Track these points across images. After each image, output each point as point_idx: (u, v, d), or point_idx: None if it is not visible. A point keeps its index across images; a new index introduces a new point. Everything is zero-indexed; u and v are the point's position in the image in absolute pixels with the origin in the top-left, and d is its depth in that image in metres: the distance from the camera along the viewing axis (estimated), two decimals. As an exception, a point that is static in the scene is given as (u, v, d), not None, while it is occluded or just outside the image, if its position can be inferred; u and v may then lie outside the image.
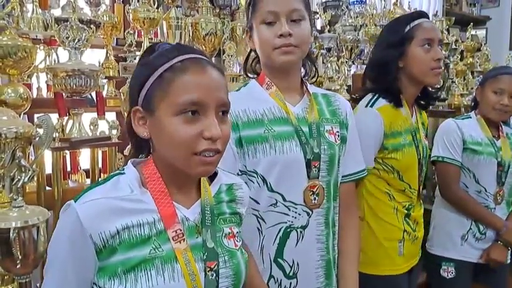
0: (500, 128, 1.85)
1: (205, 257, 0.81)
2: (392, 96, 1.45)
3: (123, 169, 0.83)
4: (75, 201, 0.77)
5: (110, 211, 0.76)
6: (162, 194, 0.80)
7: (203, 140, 0.76)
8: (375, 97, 1.47)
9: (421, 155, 1.49)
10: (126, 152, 1.64)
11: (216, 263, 0.81)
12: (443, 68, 1.47)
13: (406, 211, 1.47)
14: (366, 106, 1.46)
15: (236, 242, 0.87)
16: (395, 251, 1.46)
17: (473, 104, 1.96)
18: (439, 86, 1.61)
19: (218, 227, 0.85)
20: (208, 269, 0.80)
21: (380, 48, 1.51)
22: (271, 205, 1.11)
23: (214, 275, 0.81)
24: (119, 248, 0.76)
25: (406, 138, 1.45)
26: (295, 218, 1.12)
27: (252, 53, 1.24)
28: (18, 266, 1.04)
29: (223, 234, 0.86)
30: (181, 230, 0.79)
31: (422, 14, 1.51)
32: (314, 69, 1.27)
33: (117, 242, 0.76)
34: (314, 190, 1.13)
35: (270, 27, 1.10)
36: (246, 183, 1.09)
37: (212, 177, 0.89)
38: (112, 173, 0.84)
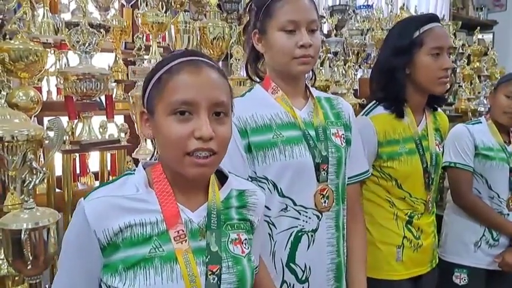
0: (511, 133, 1.84)
1: (207, 260, 0.80)
2: (396, 106, 1.43)
3: (134, 170, 0.85)
4: (84, 199, 0.80)
5: (114, 209, 0.78)
6: (166, 194, 0.81)
7: (194, 140, 0.76)
8: (374, 105, 1.47)
9: (428, 163, 1.45)
10: (135, 154, 1.65)
11: (218, 267, 0.81)
12: (450, 75, 1.44)
13: (408, 218, 1.45)
14: (363, 114, 1.47)
15: (244, 249, 0.86)
16: (393, 256, 1.44)
17: (488, 109, 1.96)
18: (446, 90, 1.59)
19: (224, 232, 0.84)
20: (210, 272, 0.80)
21: (387, 51, 1.47)
22: (281, 210, 1.11)
23: (216, 278, 0.80)
24: (121, 245, 0.77)
25: (405, 147, 1.42)
26: (306, 222, 1.13)
27: (252, 55, 1.23)
28: (28, 267, 1.05)
29: (229, 240, 0.85)
30: (183, 231, 0.79)
31: (433, 18, 1.44)
32: (312, 72, 1.29)
33: (120, 239, 0.77)
34: (324, 193, 1.14)
35: (289, 36, 1.10)
36: None
37: (223, 182, 0.90)
38: (123, 173, 0.87)
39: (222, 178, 0.90)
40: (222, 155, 0.81)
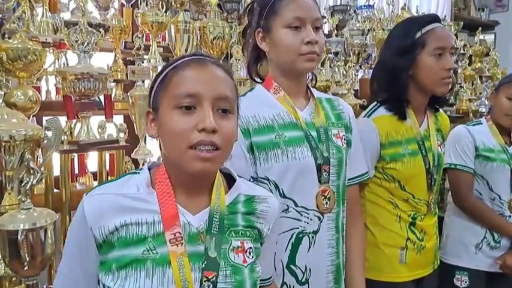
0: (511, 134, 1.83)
1: (204, 265, 0.77)
2: (398, 107, 1.43)
3: (140, 170, 0.85)
4: (86, 195, 0.80)
5: (111, 207, 0.78)
6: (167, 195, 0.80)
7: (197, 133, 0.75)
8: (376, 106, 1.46)
9: (431, 163, 1.44)
10: (134, 154, 1.65)
11: (215, 274, 0.77)
12: (452, 76, 1.43)
13: (411, 219, 1.44)
14: (364, 116, 1.45)
15: (246, 258, 0.82)
16: (397, 258, 1.44)
17: (488, 109, 1.95)
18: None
19: (226, 238, 0.81)
20: (205, 278, 0.77)
21: (390, 52, 1.46)
22: (283, 211, 1.10)
23: (211, 286, 0.77)
24: (116, 244, 0.77)
25: (407, 148, 1.42)
26: (307, 223, 1.12)
27: (253, 56, 1.22)
28: (25, 268, 1.04)
29: (231, 247, 0.81)
30: (180, 234, 0.77)
31: (435, 18, 1.45)
32: (313, 74, 1.30)
33: (115, 238, 0.77)
34: (325, 194, 1.13)
35: (295, 33, 1.10)
36: None
37: (231, 185, 0.88)
38: (127, 172, 0.88)
39: (231, 182, 0.88)
40: (226, 152, 0.80)
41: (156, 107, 0.81)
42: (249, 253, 0.83)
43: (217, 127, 0.76)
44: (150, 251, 0.76)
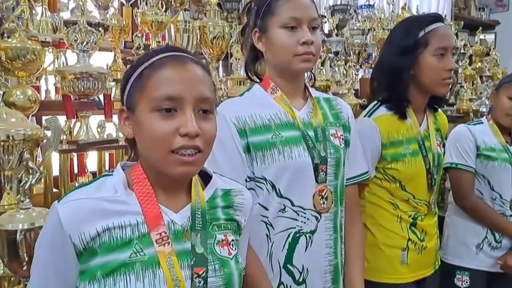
0: None
1: (192, 262, 0.77)
2: (399, 107, 1.42)
3: (112, 171, 0.82)
4: (58, 201, 0.76)
5: (91, 212, 0.75)
6: (147, 196, 0.78)
7: (179, 137, 0.73)
8: (376, 106, 1.45)
9: (431, 163, 1.44)
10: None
11: (204, 270, 0.77)
12: (453, 76, 1.42)
13: (412, 220, 1.43)
14: (365, 115, 1.45)
15: (231, 250, 0.83)
16: (398, 259, 1.43)
17: (489, 109, 1.95)
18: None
19: (210, 233, 0.81)
20: (196, 275, 0.76)
21: (391, 51, 1.45)
22: (280, 211, 1.10)
23: (202, 282, 0.77)
24: (99, 250, 0.74)
25: (408, 148, 1.41)
26: (304, 223, 1.11)
27: (251, 56, 1.22)
28: (24, 268, 1.04)
29: (216, 241, 0.81)
30: (166, 233, 0.76)
31: (437, 18, 1.43)
32: (311, 73, 1.29)
33: (98, 244, 0.74)
34: (323, 194, 1.13)
35: (291, 33, 1.09)
36: (254, 190, 1.07)
37: (207, 181, 0.87)
38: (100, 175, 0.83)
39: (206, 178, 0.87)
40: (208, 153, 0.79)
41: (132, 107, 0.78)
42: (232, 245, 0.84)
43: (199, 130, 0.74)
44: (137, 253, 0.74)
